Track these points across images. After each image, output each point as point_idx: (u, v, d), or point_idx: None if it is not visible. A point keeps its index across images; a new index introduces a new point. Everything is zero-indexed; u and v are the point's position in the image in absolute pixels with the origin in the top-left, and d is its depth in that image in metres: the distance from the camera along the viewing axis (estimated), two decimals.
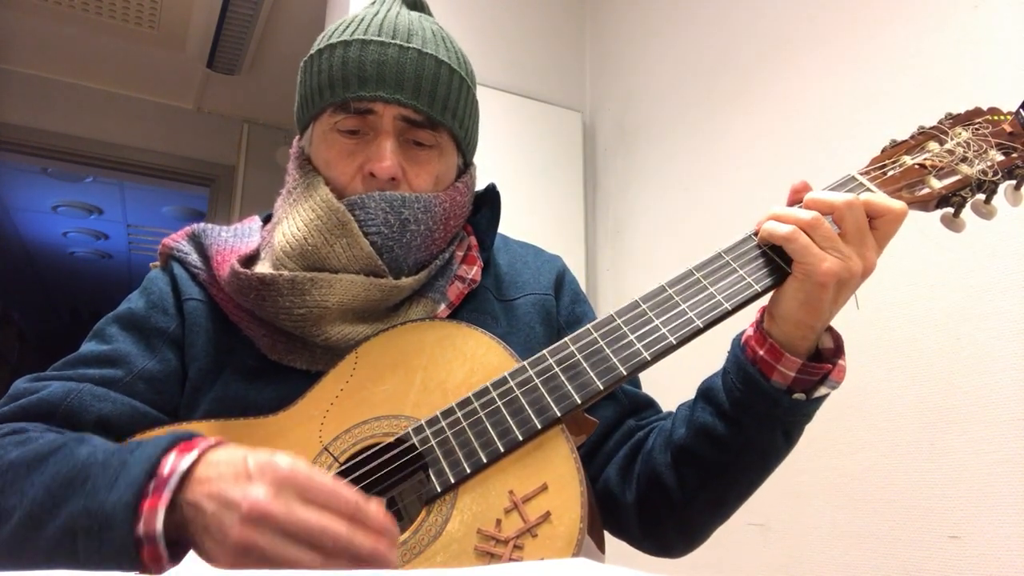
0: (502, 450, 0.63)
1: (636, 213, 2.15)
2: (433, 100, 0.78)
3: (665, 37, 2.14)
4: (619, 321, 0.68)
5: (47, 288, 5.90)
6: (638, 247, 2.13)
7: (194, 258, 0.84)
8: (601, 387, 0.65)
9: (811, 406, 0.70)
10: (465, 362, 0.71)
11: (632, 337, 0.67)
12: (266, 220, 0.89)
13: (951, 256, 1.28)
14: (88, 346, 0.78)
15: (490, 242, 0.90)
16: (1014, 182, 0.72)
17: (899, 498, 1.29)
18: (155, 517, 0.54)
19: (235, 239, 0.85)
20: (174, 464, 0.57)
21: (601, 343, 0.67)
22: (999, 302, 1.20)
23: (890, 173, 0.72)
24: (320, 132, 0.80)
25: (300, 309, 0.74)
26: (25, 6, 2.72)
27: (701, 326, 0.66)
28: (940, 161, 0.72)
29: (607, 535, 0.81)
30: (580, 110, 2.40)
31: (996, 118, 0.75)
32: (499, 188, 0.93)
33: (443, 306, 0.81)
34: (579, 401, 0.65)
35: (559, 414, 0.64)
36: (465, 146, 0.85)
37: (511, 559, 0.58)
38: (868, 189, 0.70)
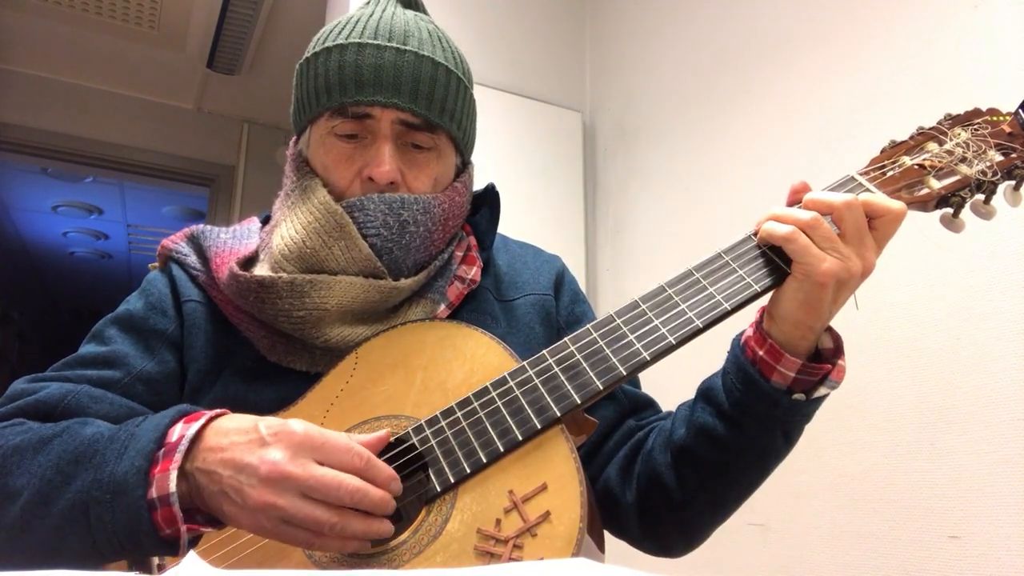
0: (502, 450, 0.64)
1: (636, 213, 2.15)
2: (431, 103, 0.78)
3: (665, 37, 2.14)
4: (619, 321, 0.68)
5: (47, 288, 5.90)
6: (638, 247, 2.13)
7: (193, 260, 0.84)
8: (601, 387, 0.65)
9: (811, 407, 0.70)
10: (465, 362, 0.71)
11: (632, 337, 0.67)
12: (264, 221, 0.89)
13: (951, 256, 1.28)
14: (87, 347, 0.78)
15: (489, 242, 0.90)
16: (1013, 182, 0.72)
17: (899, 498, 1.29)
18: (167, 479, 0.57)
19: (234, 241, 0.85)
20: (182, 431, 0.59)
21: (601, 343, 0.67)
22: (999, 302, 1.20)
23: (889, 173, 0.73)
24: (318, 136, 0.80)
25: (299, 311, 0.74)
26: (25, 6, 2.72)
27: (701, 326, 0.66)
28: (939, 161, 0.72)
29: (607, 535, 0.81)
30: (580, 110, 2.40)
31: (995, 119, 0.75)
32: (499, 188, 0.93)
33: (443, 306, 0.81)
34: (579, 401, 0.65)
35: (559, 414, 0.64)
36: (463, 146, 0.85)
37: (511, 559, 0.59)
38: (867, 189, 0.70)
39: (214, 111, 3.52)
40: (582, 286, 1.09)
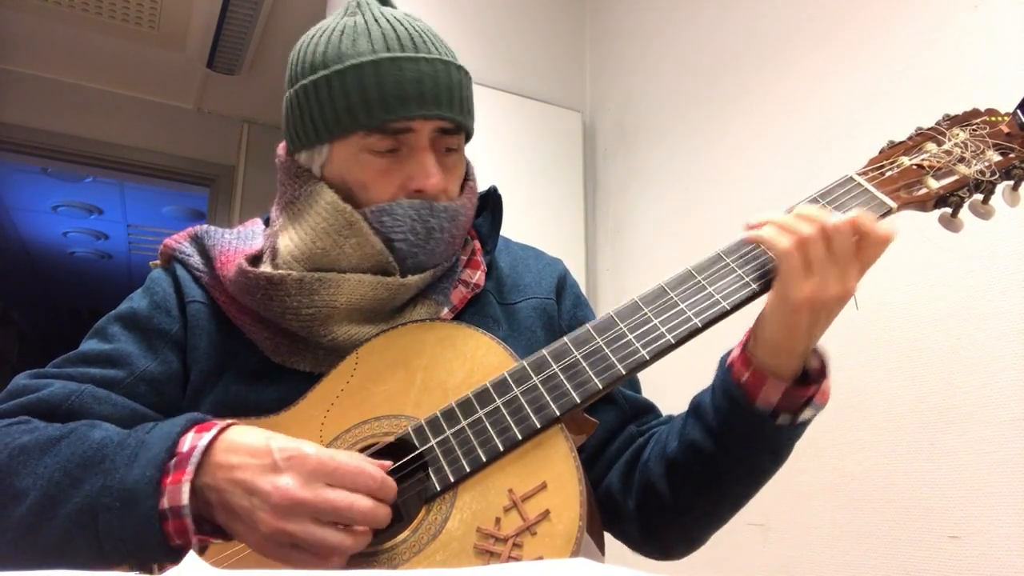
0: (501, 449, 0.64)
1: (636, 213, 2.16)
2: (462, 107, 0.78)
3: (665, 37, 2.14)
4: (618, 321, 0.68)
5: (47, 288, 5.89)
6: (638, 247, 2.13)
7: (196, 260, 0.83)
8: (600, 387, 0.65)
9: (795, 430, 0.70)
10: (465, 362, 0.71)
11: (631, 337, 0.67)
12: (267, 223, 0.89)
13: (951, 256, 1.28)
14: (89, 344, 0.78)
15: (492, 245, 0.90)
16: (1011, 182, 0.72)
17: (899, 498, 1.29)
18: (179, 491, 0.57)
19: (238, 241, 0.84)
20: (193, 442, 0.59)
21: (600, 343, 0.67)
22: (999, 302, 1.20)
23: (888, 174, 0.73)
24: (347, 154, 0.77)
25: (308, 309, 0.75)
26: (25, 6, 2.72)
27: (700, 325, 0.66)
28: (938, 162, 0.72)
29: (607, 536, 0.81)
30: (580, 110, 2.40)
31: (994, 119, 0.75)
32: (499, 188, 0.93)
33: (446, 309, 0.81)
34: (578, 400, 0.65)
35: (558, 413, 0.64)
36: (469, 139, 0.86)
37: (510, 557, 0.59)
38: (866, 189, 0.71)
39: (214, 111, 3.52)
40: (582, 286, 1.09)
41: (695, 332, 0.66)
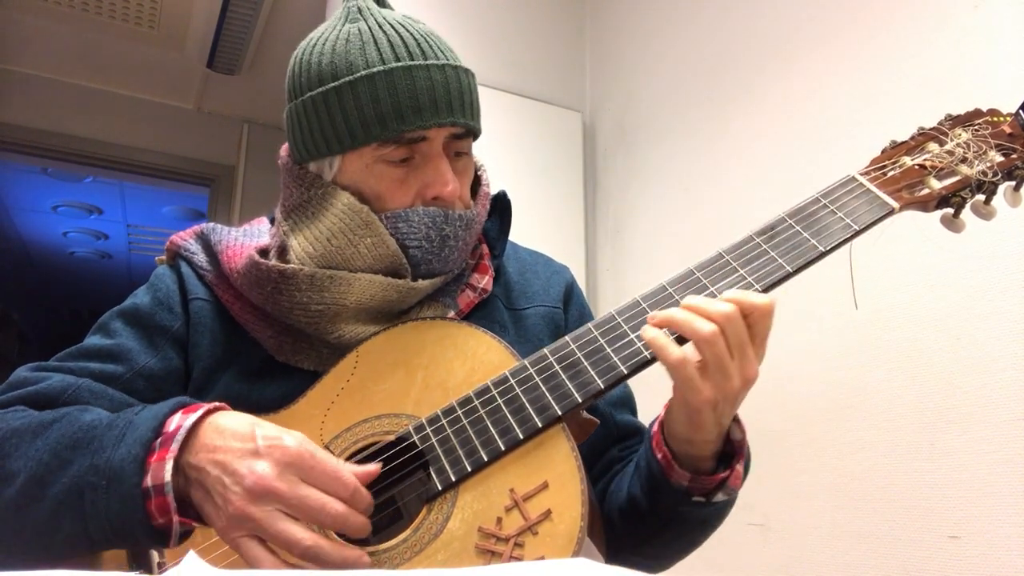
0: (503, 448, 0.64)
1: (636, 213, 2.16)
2: (473, 112, 0.78)
3: (665, 37, 2.14)
4: (619, 320, 0.68)
5: (47, 288, 5.89)
6: (638, 247, 2.13)
7: (200, 258, 0.83)
8: (602, 386, 0.65)
9: (717, 506, 0.71)
10: (466, 361, 0.71)
11: (633, 336, 0.67)
12: (272, 222, 0.89)
13: (951, 256, 1.28)
14: (92, 339, 0.79)
15: (501, 249, 0.90)
16: (1013, 183, 0.72)
17: (899, 498, 1.29)
18: (163, 469, 0.57)
19: (245, 238, 0.84)
20: (180, 421, 0.60)
21: (602, 342, 0.67)
22: (999, 302, 1.20)
23: (890, 174, 0.73)
24: (362, 165, 0.76)
25: (318, 305, 0.75)
26: (25, 6, 2.72)
27: None
28: (940, 162, 0.72)
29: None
30: (580, 110, 2.40)
31: (996, 119, 0.75)
32: (500, 188, 0.93)
33: (452, 313, 0.81)
34: (580, 400, 0.65)
35: (560, 412, 0.64)
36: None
37: (512, 557, 0.59)
38: (868, 190, 0.71)
39: (214, 111, 3.52)
40: (582, 286, 1.09)
41: None
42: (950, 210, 0.72)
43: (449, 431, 0.66)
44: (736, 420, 0.70)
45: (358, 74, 0.74)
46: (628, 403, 0.91)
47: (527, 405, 0.65)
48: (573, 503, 0.60)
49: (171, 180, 3.54)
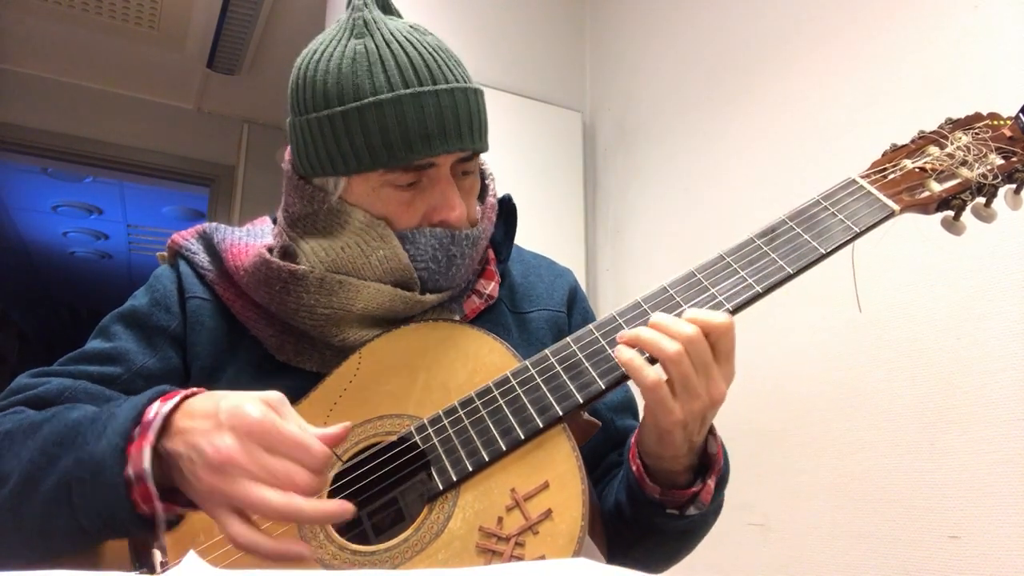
0: (504, 448, 0.64)
1: (636, 213, 2.16)
2: (481, 135, 0.78)
3: (665, 37, 2.14)
4: (620, 321, 0.68)
5: (47, 288, 5.89)
6: (638, 247, 2.13)
7: (201, 257, 0.84)
8: (603, 386, 0.65)
9: (689, 520, 0.71)
10: (468, 362, 0.71)
11: None
12: (275, 222, 0.89)
13: (951, 257, 1.28)
14: (91, 344, 0.79)
15: (506, 254, 0.90)
16: (1014, 186, 0.72)
17: (899, 498, 1.29)
18: (141, 456, 0.57)
19: (249, 237, 0.85)
20: (157, 409, 0.60)
21: (603, 343, 0.68)
22: (999, 302, 1.20)
23: (890, 176, 0.73)
24: (367, 188, 0.76)
25: (324, 309, 0.75)
26: (25, 6, 2.72)
27: None
28: (940, 165, 0.73)
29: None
30: (580, 110, 2.40)
31: (996, 123, 0.75)
32: (499, 188, 0.93)
33: (457, 318, 0.81)
34: (581, 400, 0.65)
35: (561, 413, 0.65)
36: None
37: (512, 556, 0.59)
38: (868, 192, 0.71)
39: (214, 111, 3.52)
40: (582, 286, 1.09)
41: None
42: (951, 213, 0.72)
43: (451, 431, 0.66)
44: (712, 433, 0.70)
45: (365, 100, 0.72)
46: (630, 407, 0.91)
47: (528, 405, 0.66)
48: (574, 503, 0.60)
49: (171, 180, 3.54)
